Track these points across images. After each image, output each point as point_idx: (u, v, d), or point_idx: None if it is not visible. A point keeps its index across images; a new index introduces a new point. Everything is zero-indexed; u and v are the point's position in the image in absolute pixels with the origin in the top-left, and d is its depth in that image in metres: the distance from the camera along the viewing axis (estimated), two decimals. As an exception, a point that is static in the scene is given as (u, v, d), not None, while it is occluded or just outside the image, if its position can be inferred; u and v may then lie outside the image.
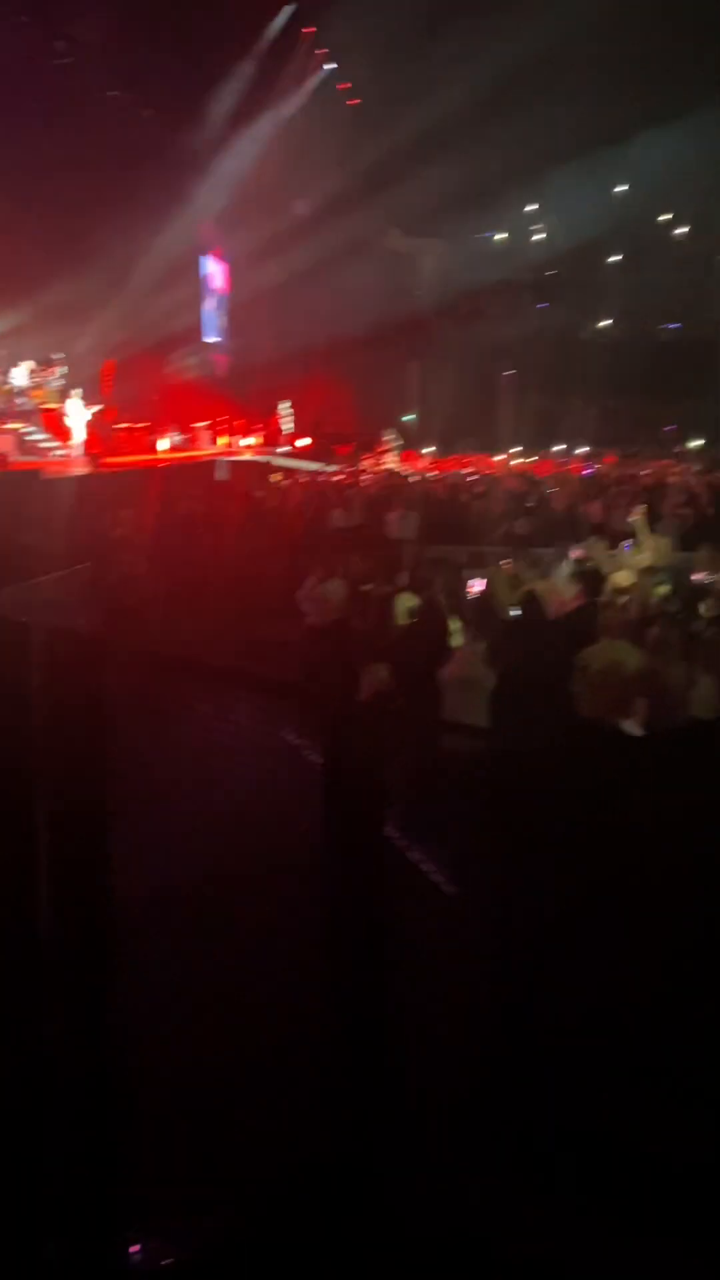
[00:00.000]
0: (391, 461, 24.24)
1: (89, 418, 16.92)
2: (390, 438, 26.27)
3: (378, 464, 22.85)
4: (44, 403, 17.25)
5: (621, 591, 7.27)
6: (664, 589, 7.93)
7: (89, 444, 16.76)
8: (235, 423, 24.17)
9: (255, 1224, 2.59)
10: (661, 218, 36.03)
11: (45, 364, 17.57)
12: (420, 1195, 2.74)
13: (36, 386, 17.16)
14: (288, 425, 25.68)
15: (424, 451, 28.02)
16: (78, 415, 16.80)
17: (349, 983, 2.70)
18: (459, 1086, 3.33)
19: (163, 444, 20.47)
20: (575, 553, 9.03)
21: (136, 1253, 2.47)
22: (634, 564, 8.66)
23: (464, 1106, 3.24)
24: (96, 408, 17.10)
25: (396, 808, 4.24)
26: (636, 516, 11.13)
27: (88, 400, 18.42)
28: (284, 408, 25.65)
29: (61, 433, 17.24)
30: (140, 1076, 2.50)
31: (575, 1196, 2.77)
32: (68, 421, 16.77)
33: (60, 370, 17.71)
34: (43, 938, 2.06)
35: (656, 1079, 3.16)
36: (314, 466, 20.55)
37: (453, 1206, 2.73)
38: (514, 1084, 3.31)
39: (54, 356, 17.81)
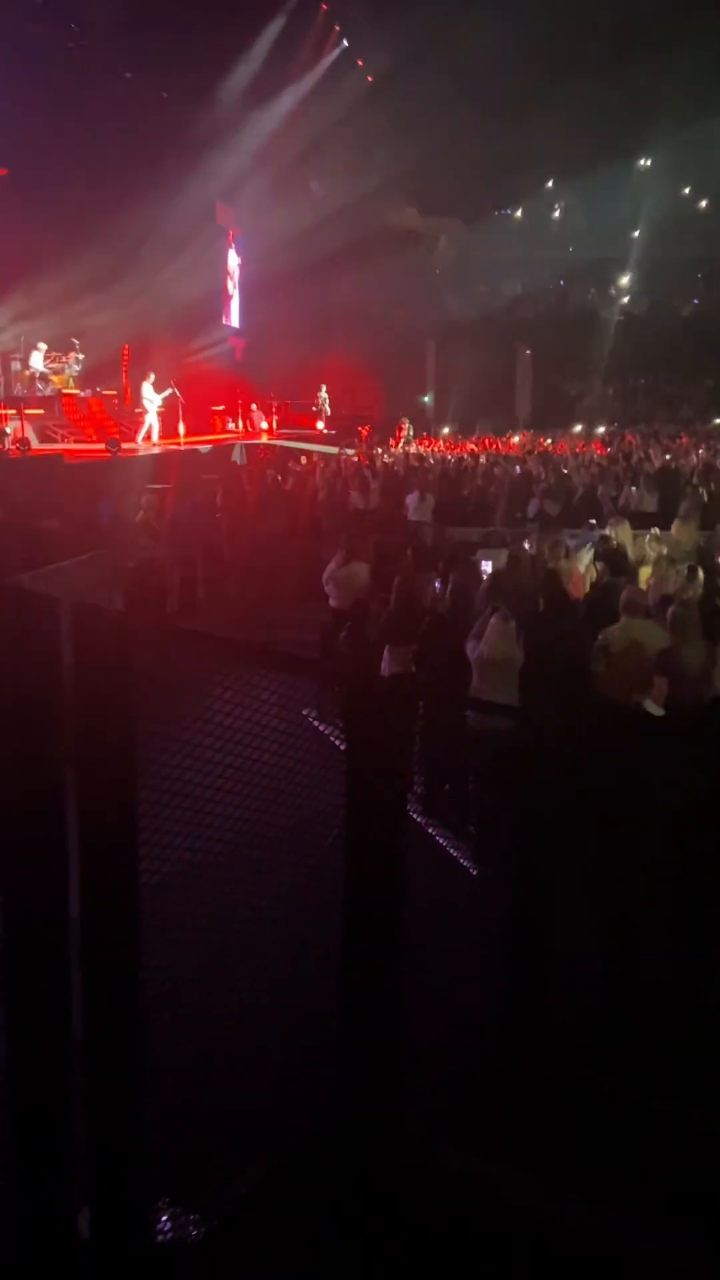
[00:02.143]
0: (408, 444, 24.20)
1: (160, 402, 16.96)
2: (407, 421, 26.22)
3: (395, 447, 22.80)
4: (64, 388, 17.28)
5: (643, 570, 7.24)
6: (684, 569, 7.89)
7: (164, 425, 16.96)
8: (252, 406, 24.12)
9: (268, 1193, 2.63)
10: (683, 192, 35.54)
11: (63, 349, 17.58)
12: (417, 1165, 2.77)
13: (56, 371, 17.18)
14: (326, 408, 25.74)
15: (444, 431, 27.91)
16: (151, 399, 16.85)
17: (364, 958, 2.72)
18: (467, 1061, 3.37)
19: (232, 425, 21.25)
20: (598, 533, 8.98)
21: (165, 1223, 2.51)
22: (654, 547, 8.60)
23: (472, 1081, 3.27)
24: (169, 391, 17.09)
25: (422, 784, 4.26)
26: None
27: (106, 384, 18.46)
28: (322, 393, 25.71)
29: (81, 419, 17.29)
30: (163, 1049, 2.54)
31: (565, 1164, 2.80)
32: (144, 404, 16.87)
33: (77, 355, 17.73)
34: (72, 911, 2.10)
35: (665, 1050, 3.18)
36: (332, 450, 20.50)
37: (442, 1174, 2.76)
38: (522, 1059, 3.34)
39: (73, 341, 17.82)
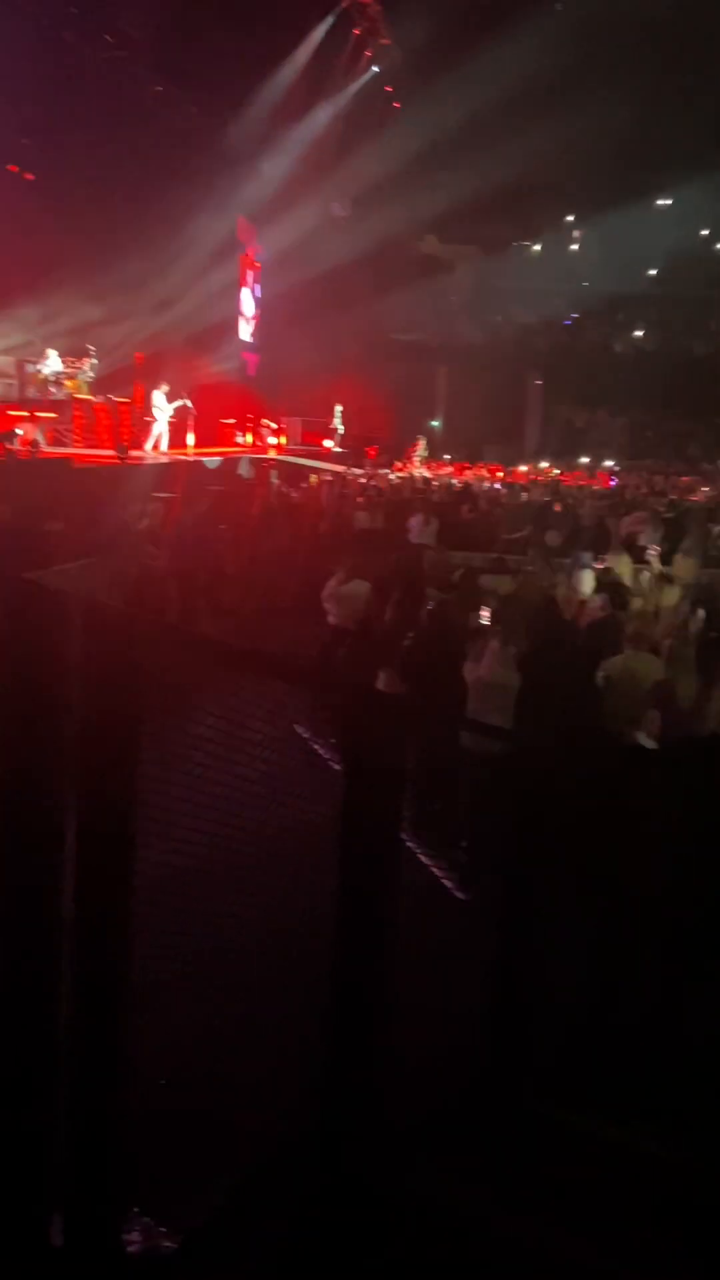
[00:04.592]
0: (418, 466, 24.33)
1: (171, 411, 17.02)
2: (423, 441, 26.42)
3: (405, 468, 22.92)
4: (77, 392, 17.37)
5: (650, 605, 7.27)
6: (685, 605, 7.93)
7: (174, 435, 17.00)
8: (261, 421, 24.25)
9: (246, 1202, 2.62)
10: (700, 233, 35.92)
11: (78, 354, 17.69)
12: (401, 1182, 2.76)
13: (70, 376, 17.28)
14: (339, 427, 25.90)
15: (445, 457, 28.05)
16: (162, 408, 16.91)
17: (352, 973, 2.72)
18: (449, 1079, 3.35)
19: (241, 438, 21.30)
20: (599, 564, 9.03)
21: (137, 1233, 2.50)
22: (660, 583, 8.66)
23: (452, 1098, 3.26)
24: (180, 402, 17.17)
25: (413, 804, 4.25)
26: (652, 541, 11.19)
27: (119, 391, 18.55)
28: (337, 412, 25.88)
29: (92, 425, 17.36)
30: (144, 1057, 2.53)
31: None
32: (156, 414, 16.89)
33: (92, 361, 17.83)
34: (64, 910, 2.10)
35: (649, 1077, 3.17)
36: (340, 469, 20.60)
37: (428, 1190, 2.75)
38: (503, 1080, 3.33)
39: (87, 347, 17.93)
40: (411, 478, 20.06)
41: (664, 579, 8.86)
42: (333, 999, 2.73)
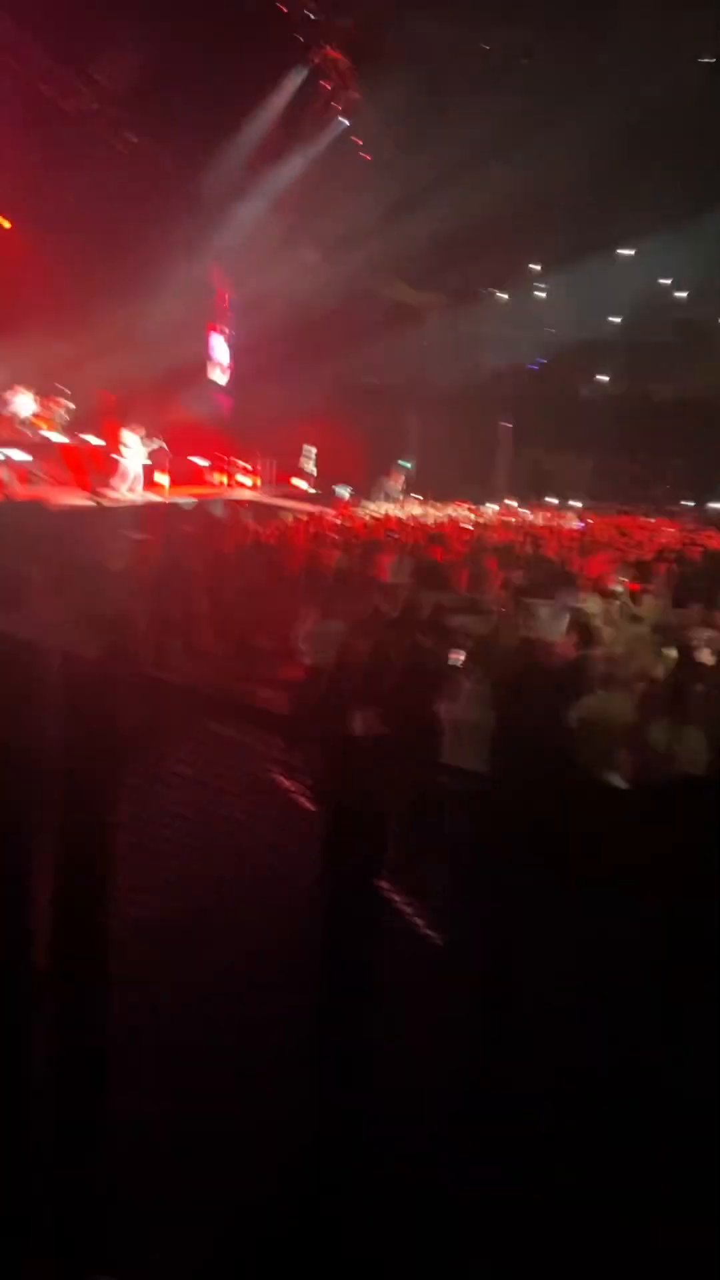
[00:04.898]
0: (398, 492, 24.66)
1: (145, 454, 17.05)
2: (403, 467, 26.76)
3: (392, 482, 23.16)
4: (50, 434, 17.39)
5: (619, 646, 7.35)
6: (654, 646, 8.03)
7: (149, 476, 17.02)
8: (235, 462, 24.40)
9: (229, 1252, 2.56)
10: (661, 282, 36.94)
11: (52, 396, 17.74)
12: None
13: (43, 418, 17.30)
14: (310, 467, 26.06)
15: (416, 498, 28.34)
16: (136, 450, 16.93)
17: (332, 1023, 2.69)
18: (431, 1137, 3.31)
19: (214, 479, 21.49)
20: (571, 605, 9.14)
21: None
22: (629, 622, 8.76)
23: (432, 1159, 3.21)
24: (156, 443, 17.21)
25: (392, 849, 4.22)
26: (621, 583, 11.36)
27: (92, 433, 18.60)
28: (307, 449, 26.06)
29: (66, 466, 17.37)
30: (125, 1100, 2.48)
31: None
32: (125, 453, 16.87)
33: (66, 404, 17.89)
34: (41, 957, 2.07)
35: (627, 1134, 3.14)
36: (314, 509, 20.74)
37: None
38: (481, 1142, 3.29)
39: (61, 389, 18.00)
40: (387, 517, 20.24)
41: (633, 619, 8.97)
42: (312, 1049, 2.69)
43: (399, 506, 24.65)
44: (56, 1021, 2.13)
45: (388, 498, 25.07)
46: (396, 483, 26.80)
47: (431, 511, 23.66)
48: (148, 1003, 2.64)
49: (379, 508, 22.67)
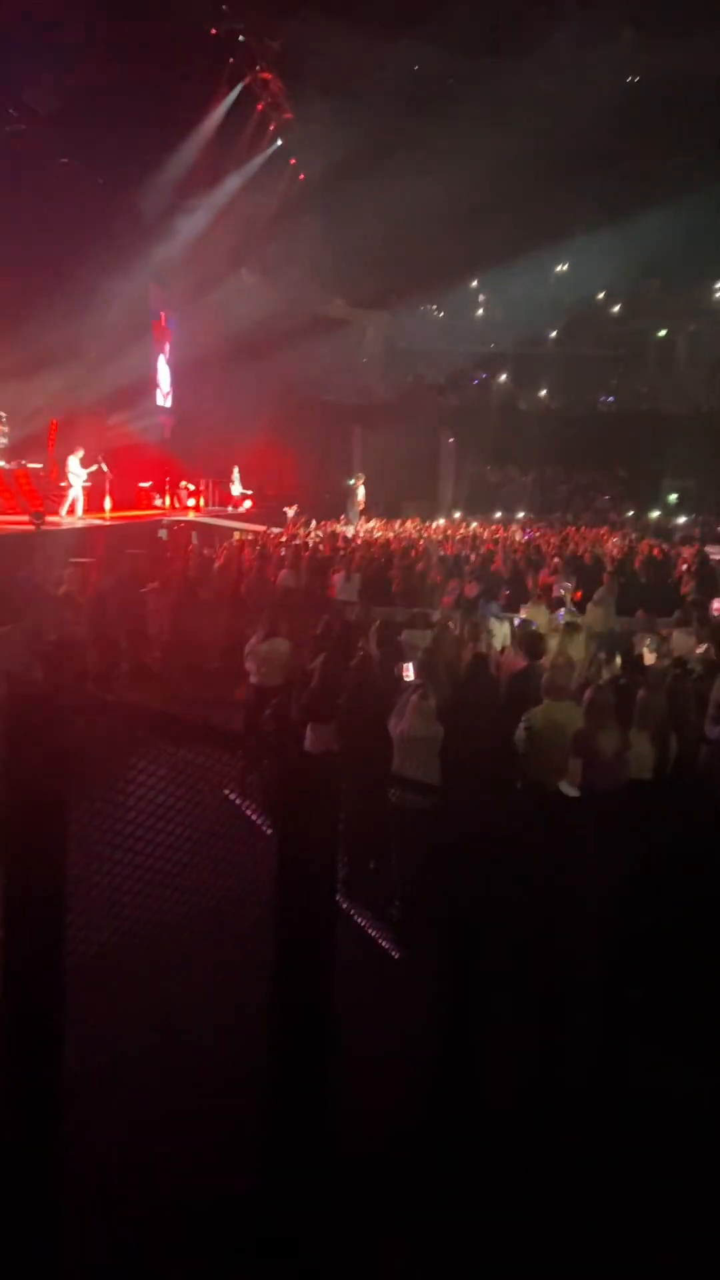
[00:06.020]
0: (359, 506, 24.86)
1: (85, 476, 16.83)
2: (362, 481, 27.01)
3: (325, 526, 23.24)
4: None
5: (562, 656, 7.44)
6: (600, 654, 8.16)
7: (89, 500, 16.83)
8: (179, 484, 24.27)
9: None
10: (595, 296, 37.77)
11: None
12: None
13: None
14: (236, 489, 25.97)
15: (361, 514, 28.51)
16: (76, 473, 16.71)
17: (291, 1041, 2.68)
18: (399, 1147, 3.30)
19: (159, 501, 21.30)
20: (518, 616, 9.22)
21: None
22: (570, 632, 8.87)
23: (404, 1167, 3.20)
24: (95, 466, 17.01)
25: (345, 864, 4.22)
26: (567, 591, 11.54)
27: (32, 458, 18.37)
28: (235, 474, 26.05)
29: (6, 492, 17.11)
30: (79, 1145, 2.43)
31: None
32: (70, 478, 16.65)
33: (3, 429, 17.66)
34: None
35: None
36: (257, 528, 20.70)
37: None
38: (454, 1150, 3.29)
39: (-1, 414, 17.78)
40: (334, 535, 20.28)
41: (574, 628, 9.07)
42: (271, 1072, 2.67)
43: (355, 524, 24.79)
44: (10, 1058, 2.09)
45: (348, 520, 25.27)
46: (358, 503, 27.04)
47: (379, 528, 23.82)
48: (103, 1028, 2.60)
49: (347, 529, 22.82)
